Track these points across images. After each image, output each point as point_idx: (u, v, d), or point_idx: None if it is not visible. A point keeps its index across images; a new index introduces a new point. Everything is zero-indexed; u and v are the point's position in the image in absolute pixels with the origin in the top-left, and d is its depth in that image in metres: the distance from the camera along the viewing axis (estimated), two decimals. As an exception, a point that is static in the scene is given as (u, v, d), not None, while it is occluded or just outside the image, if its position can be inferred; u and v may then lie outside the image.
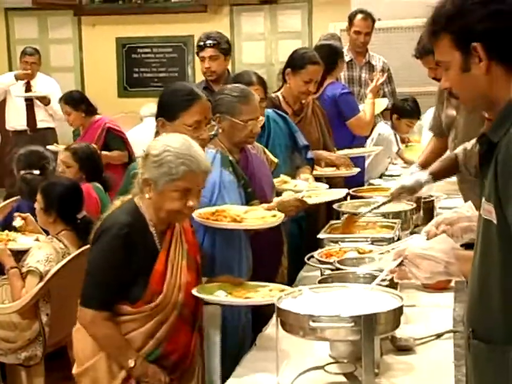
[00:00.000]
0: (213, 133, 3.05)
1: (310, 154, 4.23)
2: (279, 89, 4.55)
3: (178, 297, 2.59)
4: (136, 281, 2.55)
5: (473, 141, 2.95)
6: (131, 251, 2.53)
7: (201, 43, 5.19)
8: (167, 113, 2.98)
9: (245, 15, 9.91)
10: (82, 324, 2.59)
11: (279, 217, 3.07)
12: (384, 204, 3.38)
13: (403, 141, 6.20)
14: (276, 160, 3.77)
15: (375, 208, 3.40)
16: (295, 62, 4.38)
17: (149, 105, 7.47)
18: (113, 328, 2.54)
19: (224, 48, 5.13)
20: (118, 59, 10.28)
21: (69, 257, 3.90)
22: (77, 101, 6.46)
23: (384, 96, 6.23)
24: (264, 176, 3.50)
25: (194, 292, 2.62)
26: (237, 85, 3.53)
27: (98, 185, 5.00)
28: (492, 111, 1.77)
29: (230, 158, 3.26)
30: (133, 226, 2.55)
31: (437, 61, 1.81)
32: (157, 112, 3.06)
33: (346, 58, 6.13)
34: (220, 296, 2.67)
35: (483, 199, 1.71)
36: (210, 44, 5.11)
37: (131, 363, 2.52)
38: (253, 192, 3.28)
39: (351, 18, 6.22)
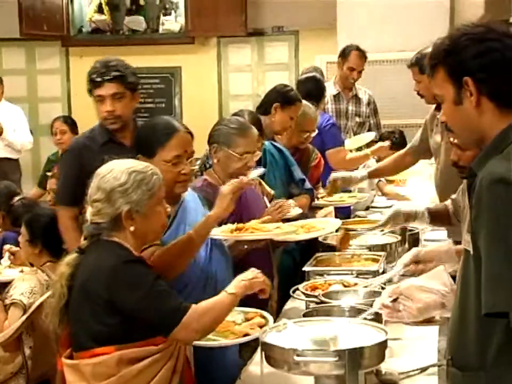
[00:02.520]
0: (196, 168, 3.01)
1: (308, 185, 4.28)
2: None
3: None
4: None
5: (459, 189, 2.97)
6: (150, 270, 2.41)
7: (97, 76, 3.68)
8: (145, 150, 2.88)
9: (232, 47, 9.98)
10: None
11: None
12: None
13: None
14: (272, 192, 3.78)
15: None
16: (286, 98, 4.43)
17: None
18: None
19: (131, 82, 3.70)
20: (105, 89, 10.31)
21: (48, 293, 3.87)
22: (74, 124, 6.62)
23: (369, 128, 6.28)
24: (257, 210, 3.48)
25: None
26: (236, 117, 3.56)
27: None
28: (480, 146, 1.82)
29: (201, 197, 3.17)
30: (132, 256, 2.42)
31: (434, 94, 1.90)
32: (136, 149, 2.95)
33: (334, 91, 6.20)
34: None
35: (464, 230, 1.76)
36: (112, 76, 3.65)
37: (231, 290, 2.44)
38: None
39: (345, 54, 6.22)
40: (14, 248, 4.38)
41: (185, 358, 2.48)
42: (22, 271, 4.18)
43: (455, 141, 1.96)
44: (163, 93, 10.19)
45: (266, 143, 4.14)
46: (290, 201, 4.04)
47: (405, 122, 6.93)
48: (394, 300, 2.18)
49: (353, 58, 6.17)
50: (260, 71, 10.02)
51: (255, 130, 3.44)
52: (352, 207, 5.33)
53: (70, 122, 6.72)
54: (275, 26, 9.90)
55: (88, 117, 9.97)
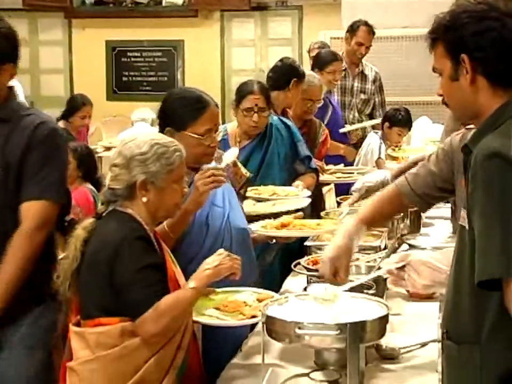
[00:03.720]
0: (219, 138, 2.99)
1: (314, 164, 4.23)
2: None
3: None
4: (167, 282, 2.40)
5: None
6: (152, 252, 2.38)
7: None
8: (175, 123, 2.86)
9: (235, 21, 9.94)
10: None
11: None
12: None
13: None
14: (247, 174, 3.68)
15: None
16: (302, 73, 4.49)
17: (140, 110, 7.51)
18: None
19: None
20: (108, 62, 10.29)
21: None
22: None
23: (374, 106, 6.26)
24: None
25: (196, 318, 2.50)
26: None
27: (93, 188, 5.01)
28: (475, 121, 1.86)
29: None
30: (139, 233, 2.38)
31: (433, 67, 1.91)
32: (162, 121, 2.91)
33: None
34: (213, 314, 2.56)
35: (462, 206, 1.80)
36: None
37: (192, 284, 2.37)
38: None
39: (354, 29, 6.19)
40: None
41: (191, 334, 2.48)
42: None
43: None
44: (165, 66, 10.17)
45: (274, 118, 4.10)
46: (298, 182, 4.03)
47: (409, 100, 6.91)
48: (402, 267, 2.19)
49: (361, 33, 6.14)
50: (263, 46, 9.98)
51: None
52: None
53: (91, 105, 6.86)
54: (279, 1, 9.86)
55: (90, 89, 9.98)
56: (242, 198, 3.52)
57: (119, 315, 2.32)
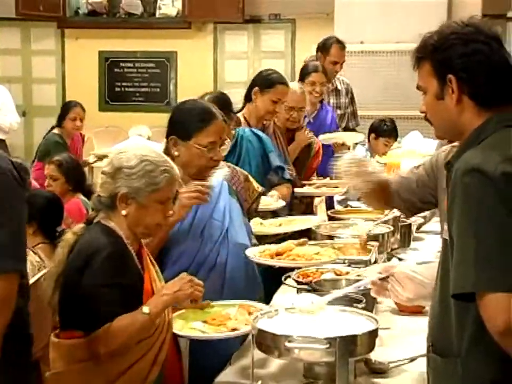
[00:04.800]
0: (225, 153, 2.97)
1: (287, 174, 4.21)
2: (241, 109, 4.51)
3: (168, 316, 2.46)
4: (130, 304, 2.35)
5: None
6: (123, 270, 2.36)
7: None
8: (180, 132, 2.90)
9: (228, 33, 9.97)
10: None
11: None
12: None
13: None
14: (259, 189, 3.65)
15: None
16: (265, 81, 4.38)
17: (137, 127, 7.59)
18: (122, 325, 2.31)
19: None
20: (100, 72, 10.29)
21: (44, 271, 3.87)
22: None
23: (348, 118, 6.24)
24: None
25: (177, 331, 2.48)
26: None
27: (85, 199, 5.00)
28: (458, 139, 1.92)
29: (234, 187, 3.19)
30: (116, 247, 2.38)
31: (417, 85, 1.96)
32: (169, 129, 2.95)
33: None
34: (197, 327, 2.54)
35: (444, 220, 1.85)
36: None
37: (146, 310, 2.33)
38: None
39: (326, 47, 6.02)
40: None
41: (171, 351, 2.48)
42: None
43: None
44: (158, 78, 10.19)
45: (246, 129, 4.09)
46: (273, 192, 4.03)
47: (400, 114, 6.93)
48: (384, 278, 2.21)
49: (335, 51, 5.96)
50: (256, 58, 10.01)
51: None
52: (344, 197, 5.34)
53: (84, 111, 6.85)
54: (272, 14, 9.89)
55: (82, 99, 9.96)
56: (255, 212, 3.52)
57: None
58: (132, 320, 2.31)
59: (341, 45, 6.06)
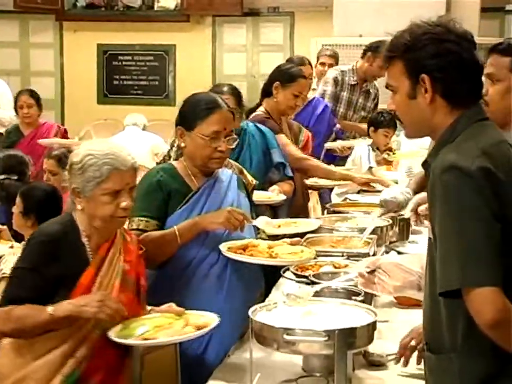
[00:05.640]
0: (232, 146, 2.92)
1: (289, 171, 4.17)
2: (259, 105, 4.48)
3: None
4: (56, 293, 2.42)
5: None
6: (51, 260, 2.42)
7: None
8: (186, 122, 2.91)
9: (227, 26, 9.95)
10: None
11: (311, 252, 2.95)
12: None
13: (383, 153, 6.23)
14: (254, 181, 3.66)
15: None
16: (287, 75, 4.36)
17: (132, 115, 7.51)
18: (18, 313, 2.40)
19: None
20: (99, 65, 10.27)
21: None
22: (38, 98, 6.57)
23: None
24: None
25: (110, 333, 2.41)
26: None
27: None
28: (432, 137, 1.93)
29: (244, 180, 3.15)
30: (62, 237, 2.47)
31: (387, 84, 1.98)
32: (177, 119, 2.97)
33: (352, 81, 6.15)
34: (135, 335, 2.42)
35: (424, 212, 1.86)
36: None
37: (50, 310, 2.36)
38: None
39: (380, 51, 5.74)
40: (1, 227, 4.37)
41: (113, 355, 2.47)
42: (12, 247, 4.17)
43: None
44: (157, 71, 10.17)
45: (250, 123, 4.07)
46: (274, 187, 4.01)
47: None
48: (372, 272, 2.22)
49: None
50: (254, 51, 9.99)
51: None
52: (344, 190, 5.34)
53: (36, 96, 6.63)
54: (271, 7, 9.87)
55: (81, 92, 9.98)
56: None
57: None
58: (33, 313, 2.39)
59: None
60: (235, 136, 2.97)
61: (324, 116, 5.62)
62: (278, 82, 4.36)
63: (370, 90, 6.29)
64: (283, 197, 3.91)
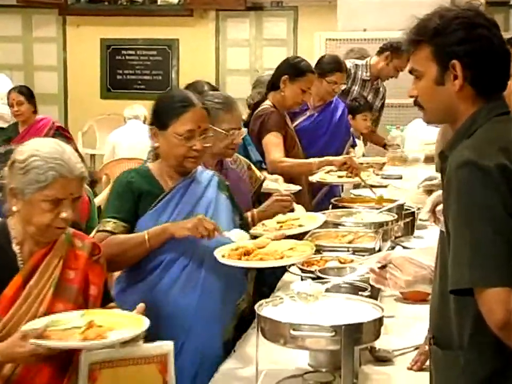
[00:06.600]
0: (208, 144, 2.84)
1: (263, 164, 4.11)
2: (263, 99, 4.44)
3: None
4: None
5: None
6: None
7: None
8: (159, 121, 2.82)
9: (230, 21, 9.93)
10: None
11: (306, 243, 2.87)
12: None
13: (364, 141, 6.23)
14: (262, 176, 3.63)
15: None
16: (296, 69, 4.31)
17: (132, 107, 7.46)
18: None
19: None
20: (102, 60, 10.26)
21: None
22: (30, 94, 6.55)
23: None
24: (241, 195, 3.23)
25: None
26: (218, 92, 3.41)
27: (88, 187, 5.00)
28: (453, 125, 1.87)
29: (227, 183, 3.05)
30: None
31: (411, 68, 1.90)
32: (151, 119, 2.90)
33: (365, 76, 6.09)
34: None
35: (440, 212, 1.87)
36: None
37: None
38: (245, 225, 3.05)
39: (400, 52, 5.74)
40: None
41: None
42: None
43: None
44: (160, 65, 10.15)
45: None
46: (275, 176, 3.98)
47: (403, 102, 6.90)
48: (383, 267, 2.20)
49: (404, 61, 5.63)
50: (258, 46, 9.97)
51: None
52: (345, 185, 5.31)
53: (26, 92, 6.59)
54: (274, 1, 9.85)
55: (84, 87, 9.96)
56: (257, 201, 3.46)
57: None
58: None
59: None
60: (244, 129, 2.93)
61: (343, 118, 5.28)
62: (286, 76, 4.31)
63: (380, 89, 6.25)
64: (298, 187, 3.88)
